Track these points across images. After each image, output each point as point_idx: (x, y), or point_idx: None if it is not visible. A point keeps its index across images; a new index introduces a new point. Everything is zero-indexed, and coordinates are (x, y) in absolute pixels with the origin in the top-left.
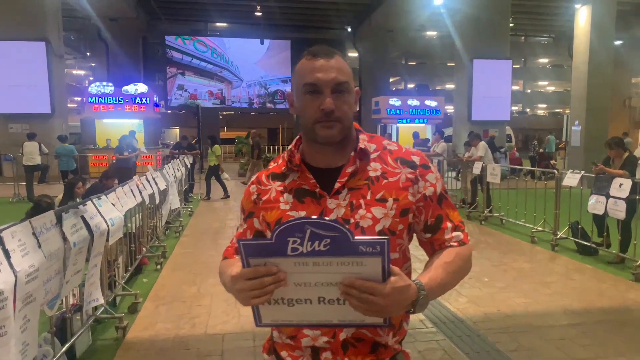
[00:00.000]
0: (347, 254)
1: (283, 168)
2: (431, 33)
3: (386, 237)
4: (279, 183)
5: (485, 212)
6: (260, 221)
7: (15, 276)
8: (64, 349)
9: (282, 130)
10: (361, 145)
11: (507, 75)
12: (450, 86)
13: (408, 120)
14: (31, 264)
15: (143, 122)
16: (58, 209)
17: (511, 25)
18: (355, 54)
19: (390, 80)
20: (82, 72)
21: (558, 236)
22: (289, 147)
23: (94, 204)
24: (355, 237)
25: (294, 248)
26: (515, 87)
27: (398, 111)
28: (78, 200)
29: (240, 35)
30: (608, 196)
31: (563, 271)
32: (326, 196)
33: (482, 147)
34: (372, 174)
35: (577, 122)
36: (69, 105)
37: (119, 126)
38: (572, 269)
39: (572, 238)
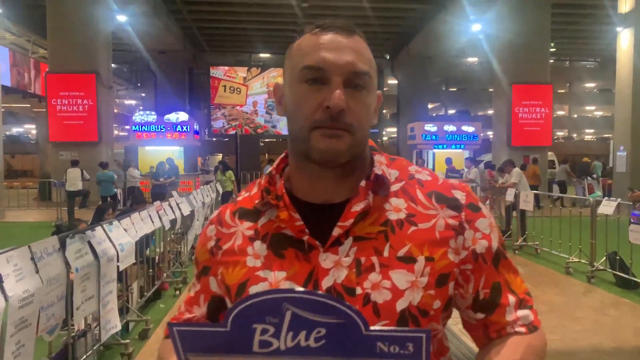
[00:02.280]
0: (356, 355)
1: (256, 201)
2: (472, 59)
3: (425, 329)
4: (248, 224)
5: (519, 240)
6: (219, 282)
7: (7, 301)
8: None
9: None
10: (377, 171)
11: (548, 100)
12: (492, 112)
13: (444, 146)
14: (26, 289)
15: (183, 149)
16: (62, 234)
17: (553, 50)
18: (395, 81)
19: (431, 106)
20: (133, 102)
21: (595, 267)
22: (269, 168)
23: (103, 229)
24: (371, 328)
25: (265, 342)
26: (560, 112)
27: (434, 137)
28: None
29: (282, 65)
30: None
31: (597, 305)
32: (319, 248)
33: (515, 173)
34: (392, 216)
35: (622, 147)
36: (120, 133)
37: (160, 153)
38: (607, 304)
39: (609, 270)
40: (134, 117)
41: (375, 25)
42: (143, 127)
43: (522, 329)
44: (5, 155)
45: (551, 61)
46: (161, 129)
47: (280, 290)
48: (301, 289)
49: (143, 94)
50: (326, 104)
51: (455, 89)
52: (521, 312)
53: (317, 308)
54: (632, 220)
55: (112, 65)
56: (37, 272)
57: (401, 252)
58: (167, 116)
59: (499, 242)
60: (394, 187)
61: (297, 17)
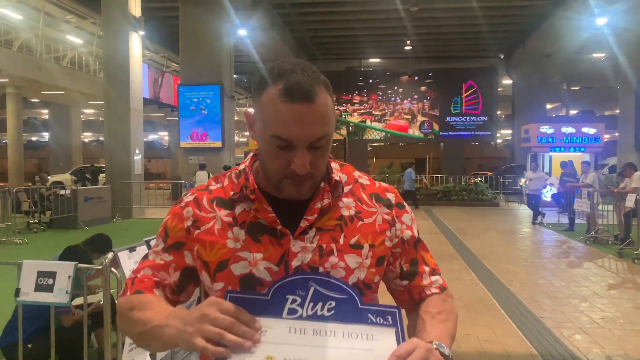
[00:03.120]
0: (354, 322)
1: (231, 193)
2: (597, 55)
3: (397, 306)
4: (225, 212)
5: None
6: (194, 257)
7: None
8: None
9: (429, 160)
10: (335, 177)
11: None
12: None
13: (562, 149)
14: None
15: None
16: None
17: None
18: (509, 81)
19: (550, 106)
20: (252, 110)
21: None
22: (241, 165)
23: None
24: (364, 303)
25: (292, 309)
26: None
27: (550, 139)
28: None
29: (391, 69)
30: None
31: None
32: (289, 236)
33: (636, 177)
34: (344, 212)
35: None
36: (239, 140)
37: None
38: None
39: None
40: None
41: (486, 25)
42: None
43: (436, 290)
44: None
45: None
46: None
47: (310, 272)
48: (323, 272)
49: None
50: (294, 168)
51: (577, 88)
52: (433, 278)
53: (331, 286)
54: None
55: (234, 76)
56: None
57: (352, 241)
58: None
59: (417, 230)
60: (345, 189)
61: (405, 21)
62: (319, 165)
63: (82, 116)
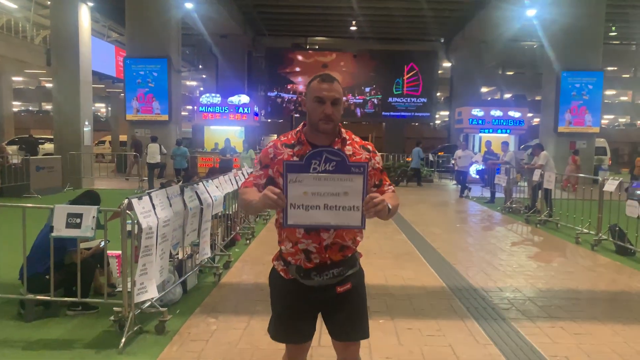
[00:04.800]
0: (344, 172)
1: (293, 141)
2: (530, 43)
3: (366, 162)
4: (289, 150)
5: (542, 216)
6: (274, 172)
7: (157, 219)
8: (180, 279)
9: (371, 139)
10: (344, 135)
11: (598, 86)
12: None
13: (490, 131)
14: (166, 215)
15: (244, 129)
16: (182, 184)
17: (614, 34)
18: (449, 64)
19: (486, 90)
20: (194, 83)
21: (599, 237)
22: (298, 128)
23: (203, 184)
24: (350, 163)
25: (314, 167)
26: (623, 98)
27: (480, 121)
28: None
29: (336, 49)
30: None
31: (588, 265)
32: None
33: (543, 156)
34: (348, 152)
35: None
36: (183, 113)
37: (223, 132)
38: (599, 264)
39: (610, 239)
40: (200, 99)
41: (428, 9)
42: (209, 108)
43: (391, 189)
44: None
45: (615, 44)
46: (225, 110)
47: (323, 146)
48: (329, 146)
49: (204, 76)
50: (325, 112)
51: (512, 73)
52: (390, 187)
53: (333, 153)
54: (629, 192)
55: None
56: (171, 206)
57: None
58: (230, 98)
59: (382, 165)
60: (347, 142)
61: (351, 1)
62: (336, 114)
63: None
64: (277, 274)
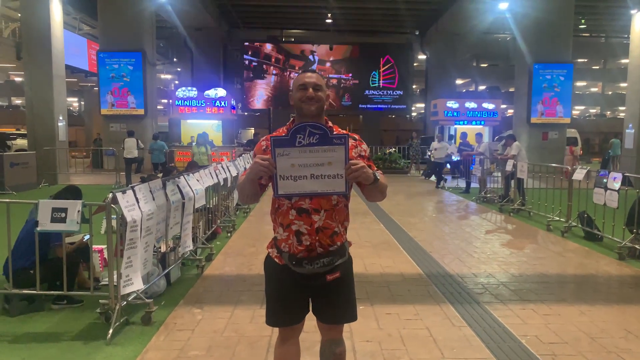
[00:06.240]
0: (327, 144)
1: (284, 134)
2: (504, 35)
3: (346, 134)
4: None
5: (515, 205)
6: None
7: (142, 212)
8: (164, 272)
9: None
10: (330, 125)
11: (569, 77)
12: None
13: (465, 122)
14: (149, 209)
15: (221, 122)
16: (164, 178)
17: (583, 26)
18: (424, 57)
19: (461, 82)
20: (169, 76)
21: (568, 224)
22: (287, 124)
23: (184, 178)
24: (332, 135)
25: (299, 141)
26: (593, 89)
27: (455, 113)
28: None
29: (312, 41)
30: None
31: (558, 250)
32: None
33: (515, 146)
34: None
35: (630, 125)
36: (158, 107)
37: (200, 126)
38: (568, 249)
39: (579, 226)
40: (176, 93)
41: (402, 2)
42: (185, 101)
43: (379, 172)
44: None
45: (585, 36)
46: (201, 103)
47: (307, 122)
48: (311, 121)
49: (179, 69)
50: (307, 94)
51: (486, 65)
52: (378, 171)
53: (315, 127)
54: (596, 179)
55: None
56: (154, 199)
57: None
58: (206, 92)
59: (369, 152)
60: (335, 132)
61: None
62: (319, 95)
63: None
64: (271, 260)
